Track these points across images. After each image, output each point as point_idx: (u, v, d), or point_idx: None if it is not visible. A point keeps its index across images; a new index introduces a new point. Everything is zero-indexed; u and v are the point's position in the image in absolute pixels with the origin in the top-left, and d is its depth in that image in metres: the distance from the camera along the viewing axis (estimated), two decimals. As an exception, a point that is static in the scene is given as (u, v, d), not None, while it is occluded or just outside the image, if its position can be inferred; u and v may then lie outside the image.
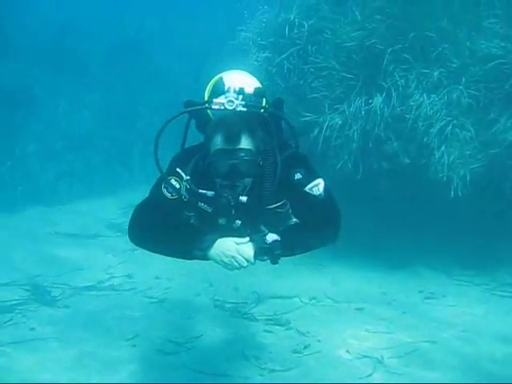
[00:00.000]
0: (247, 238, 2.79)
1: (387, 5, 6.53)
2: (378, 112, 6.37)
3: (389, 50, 6.35)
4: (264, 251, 2.77)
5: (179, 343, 5.19)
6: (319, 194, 2.88)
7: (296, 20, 6.88)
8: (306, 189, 2.88)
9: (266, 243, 2.76)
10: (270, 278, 6.70)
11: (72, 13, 12.62)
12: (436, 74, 6.34)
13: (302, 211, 2.92)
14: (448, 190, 6.22)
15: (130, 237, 2.99)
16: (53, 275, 6.78)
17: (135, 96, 11.59)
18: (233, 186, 2.78)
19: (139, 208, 2.98)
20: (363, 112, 6.44)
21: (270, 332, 5.47)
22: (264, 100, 3.06)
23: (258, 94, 3.00)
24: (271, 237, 2.77)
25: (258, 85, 3.14)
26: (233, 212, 2.87)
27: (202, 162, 2.89)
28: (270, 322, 5.70)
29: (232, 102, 2.84)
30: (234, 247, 2.76)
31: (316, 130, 6.46)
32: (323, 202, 2.89)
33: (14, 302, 6.04)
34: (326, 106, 6.54)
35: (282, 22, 7.11)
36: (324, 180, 2.92)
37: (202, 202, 2.91)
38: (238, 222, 2.93)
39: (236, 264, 2.77)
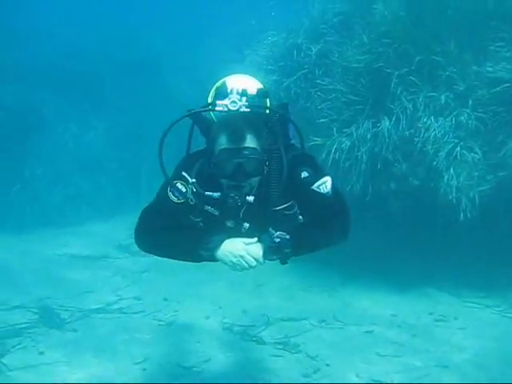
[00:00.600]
0: (255, 239, 2.76)
1: (394, 29, 6.60)
2: (386, 134, 6.39)
3: (396, 74, 6.39)
4: (273, 250, 2.73)
5: (188, 367, 5.19)
6: (327, 192, 2.83)
7: (304, 44, 6.97)
8: (314, 187, 2.83)
9: (274, 242, 2.72)
10: (280, 300, 6.69)
11: (81, 34, 12.85)
12: (443, 96, 6.38)
13: (311, 210, 2.87)
14: (457, 212, 6.21)
15: (136, 241, 2.95)
16: (62, 297, 6.80)
17: (144, 117, 11.69)
18: (239, 187, 2.74)
19: (145, 212, 2.94)
20: (371, 134, 6.47)
21: (280, 356, 5.44)
22: (267, 101, 3.04)
23: (261, 94, 2.97)
24: (280, 236, 2.73)
25: (261, 86, 3.10)
26: (240, 215, 2.86)
27: (207, 164, 2.85)
28: (279, 345, 5.68)
29: (235, 102, 2.82)
30: (243, 247, 2.72)
31: (324, 153, 6.47)
32: (331, 199, 2.84)
33: (24, 325, 6.06)
34: (334, 129, 6.57)
35: (289, 47, 7.21)
36: (331, 178, 2.88)
37: (208, 205, 2.87)
38: (246, 224, 2.89)
39: (245, 264, 2.73)
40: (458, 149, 6.22)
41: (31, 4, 15.41)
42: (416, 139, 6.26)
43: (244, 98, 2.85)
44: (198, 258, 2.78)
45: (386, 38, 6.60)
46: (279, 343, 5.70)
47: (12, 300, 6.73)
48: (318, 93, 6.75)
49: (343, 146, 6.47)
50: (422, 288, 6.76)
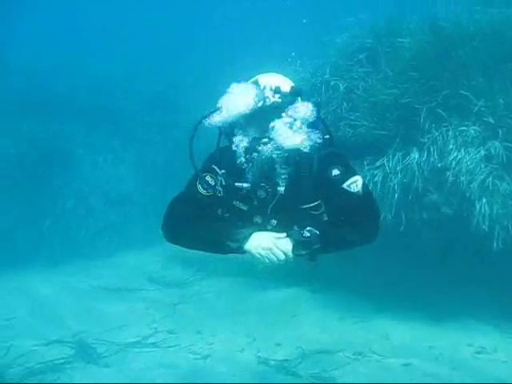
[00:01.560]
0: (284, 234, 2.74)
1: (419, 62, 6.70)
2: (416, 167, 6.43)
3: (424, 108, 6.45)
4: (302, 245, 2.70)
5: (225, 402, 5.19)
6: (357, 191, 2.81)
7: (331, 80, 7.10)
8: (344, 186, 2.81)
9: (304, 237, 2.70)
10: (314, 331, 6.67)
11: (108, 70, 13.15)
12: (473, 128, 6.41)
13: (340, 209, 2.83)
14: (490, 241, 6.17)
15: (164, 232, 2.98)
16: (97, 331, 6.88)
17: (171, 151, 11.83)
18: (270, 178, 2.74)
19: (173, 202, 2.95)
20: (401, 166, 6.52)
21: (316, 390, 5.42)
22: (299, 99, 2.98)
23: (294, 92, 2.91)
24: (310, 231, 2.72)
25: (294, 84, 3.06)
26: (268, 211, 2.84)
27: (237, 156, 2.82)
28: (315, 378, 5.65)
29: (268, 98, 2.79)
30: (272, 240, 2.71)
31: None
32: (361, 199, 2.82)
33: (61, 361, 6.14)
34: (365, 163, 6.64)
35: (316, 83, 7.34)
36: (362, 177, 2.87)
37: (237, 199, 2.85)
38: (274, 221, 2.88)
39: (273, 257, 2.69)
40: (491, 179, 6.22)
41: (59, 40, 15.94)
42: (448, 172, 6.26)
43: (277, 95, 2.82)
44: (225, 250, 2.76)
45: (411, 71, 6.68)
46: (315, 377, 5.68)
47: (49, 334, 6.83)
48: (348, 128, 6.84)
49: (375, 178, 6.51)
50: (459, 319, 6.65)
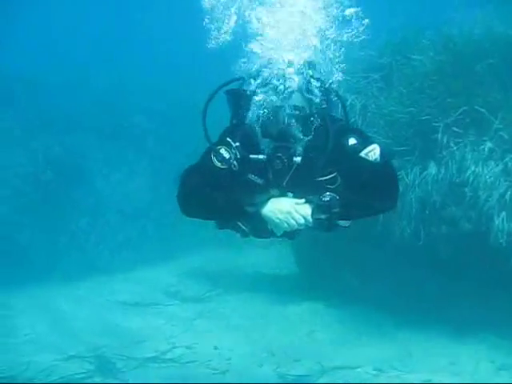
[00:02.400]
0: (303, 200, 2.66)
1: (435, 81, 6.74)
2: (434, 181, 6.45)
3: (441, 125, 6.48)
4: (322, 209, 2.61)
5: (244, 418, 5.18)
6: (375, 159, 2.74)
7: (347, 97, 7.14)
8: (362, 154, 2.73)
9: (323, 201, 2.62)
10: (333, 347, 6.66)
11: (123, 86, 13.31)
12: (490, 143, 6.42)
13: (358, 178, 2.74)
14: (509, 256, 6.16)
15: (179, 202, 2.85)
16: (116, 346, 6.92)
17: (185, 165, 11.92)
18: (286, 148, 2.64)
19: (188, 171, 2.85)
20: (419, 181, 6.53)
21: (335, 407, 5.41)
22: (311, 72, 2.88)
23: (308, 66, 2.82)
24: (329, 195, 2.64)
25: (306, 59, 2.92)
26: (284, 183, 2.75)
27: (252, 128, 2.75)
28: (334, 394, 5.64)
29: (283, 70, 2.71)
30: (291, 204, 2.63)
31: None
32: (380, 166, 2.75)
33: (82, 375, 6.18)
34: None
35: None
36: (379, 145, 2.79)
37: (252, 173, 2.77)
38: (290, 194, 2.77)
39: (292, 221, 2.60)
40: (509, 193, 6.21)
41: (73, 58, 16.20)
42: (466, 187, 6.27)
43: (290, 69, 2.74)
44: (242, 216, 2.70)
45: (427, 89, 6.72)
46: (335, 393, 5.67)
47: (68, 349, 6.88)
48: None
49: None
50: (481, 334, 6.58)
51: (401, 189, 2.88)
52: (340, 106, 3.04)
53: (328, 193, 2.65)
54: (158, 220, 11.15)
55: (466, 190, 6.29)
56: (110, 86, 13.35)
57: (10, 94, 12.12)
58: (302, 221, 2.61)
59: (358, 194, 2.71)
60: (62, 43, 18.87)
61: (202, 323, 7.65)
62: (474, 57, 7.02)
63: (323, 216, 2.61)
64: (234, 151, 2.74)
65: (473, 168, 6.31)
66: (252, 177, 2.77)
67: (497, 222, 6.22)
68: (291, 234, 2.95)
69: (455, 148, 6.44)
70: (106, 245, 10.47)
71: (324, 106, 2.79)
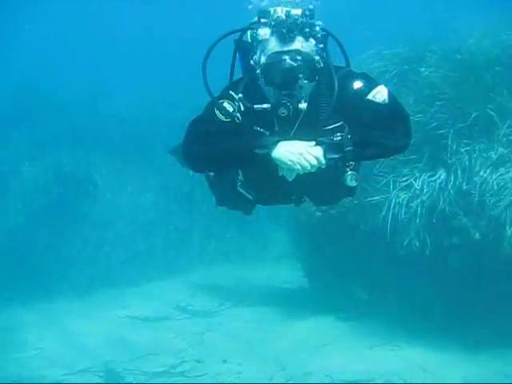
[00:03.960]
0: (314, 142, 2.58)
1: (444, 89, 6.72)
2: (438, 188, 6.41)
3: (451, 131, 6.44)
4: (334, 148, 2.54)
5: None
6: (383, 100, 2.65)
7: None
8: (369, 97, 2.65)
9: (335, 140, 2.56)
10: (345, 360, 6.55)
11: (131, 100, 13.45)
12: (500, 149, 6.36)
13: (368, 121, 2.64)
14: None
15: (185, 154, 2.78)
16: (126, 360, 6.92)
17: (193, 178, 11.93)
18: (291, 95, 2.54)
19: (192, 122, 2.76)
20: (428, 188, 6.47)
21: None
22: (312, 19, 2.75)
23: (307, 15, 2.69)
24: (341, 135, 2.57)
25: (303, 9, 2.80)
26: (291, 134, 2.65)
27: (255, 77, 2.67)
28: (346, 408, 5.54)
29: (282, 18, 2.62)
30: (302, 145, 2.55)
31: (384, 210, 6.49)
32: (389, 106, 2.66)
33: (91, 390, 6.14)
34: (391, 185, 6.60)
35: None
36: (386, 86, 2.70)
37: (257, 125, 2.67)
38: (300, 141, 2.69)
39: (304, 162, 2.52)
40: (521, 200, 6.13)
41: (81, 72, 16.44)
42: (475, 196, 6.20)
43: (289, 20, 2.64)
44: (252, 159, 2.58)
45: (436, 98, 6.72)
46: (346, 406, 5.58)
47: (77, 363, 6.88)
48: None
49: (401, 200, 6.47)
50: (493, 347, 6.41)
51: (411, 124, 2.72)
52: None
53: (339, 133, 2.59)
54: (167, 234, 11.15)
55: (476, 197, 6.23)
56: (122, 100, 13.52)
57: (23, 110, 12.32)
58: (314, 162, 2.52)
59: (369, 134, 2.62)
60: (75, 59, 19.22)
61: (211, 337, 7.59)
62: (482, 65, 7.01)
63: (336, 155, 2.55)
64: (237, 103, 2.67)
65: (482, 175, 6.25)
66: (258, 129, 2.67)
67: (509, 232, 6.16)
68: (299, 199, 2.89)
69: (465, 155, 6.39)
70: (116, 259, 10.46)
71: (325, 54, 2.71)
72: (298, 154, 2.52)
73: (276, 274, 9.22)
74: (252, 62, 2.67)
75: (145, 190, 11.80)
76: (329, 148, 2.54)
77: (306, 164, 2.53)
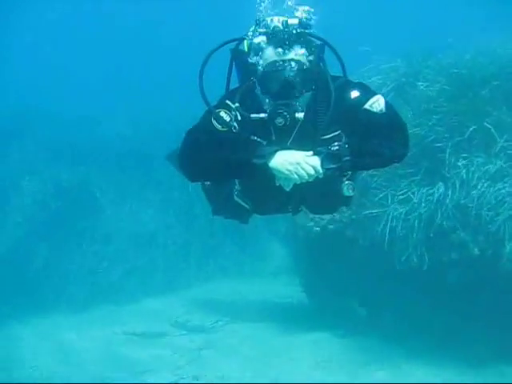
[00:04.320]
0: (311, 152, 2.56)
1: (440, 104, 6.74)
2: (436, 201, 6.37)
3: (449, 144, 6.44)
4: (331, 158, 2.53)
5: None
6: (380, 110, 2.65)
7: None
8: (366, 106, 2.64)
9: (332, 150, 2.56)
10: (341, 377, 6.47)
11: (130, 117, 13.50)
12: (498, 162, 6.34)
13: (365, 131, 2.63)
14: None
15: (181, 164, 2.74)
16: (122, 377, 6.84)
17: (192, 194, 11.92)
18: (287, 104, 2.54)
19: (189, 131, 2.73)
20: (426, 203, 6.44)
21: None
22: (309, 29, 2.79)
23: (303, 25, 2.72)
24: (338, 145, 2.58)
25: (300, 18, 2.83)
26: (288, 143, 2.64)
27: (252, 87, 2.68)
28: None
29: (279, 28, 2.64)
30: (299, 155, 2.54)
31: (382, 223, 6.45)
32: (387, 116, 2.65)
33: (86, 408, 6.07)
34: (389, 199, 6.57)
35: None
36: (383, 96, 2.70)
37: (254, 134, 2.67)
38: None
39: (302, 171, 2.51)
40: (519, 215, 6.10)
41: (81, 87, 16.54)
42: (471, 206, 6.16)
43: (291, 20, 2.68)
44: (249, 170, 2.56)
45: (433, 112, 6.72)
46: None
47: (72, 380, 6.81)
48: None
49: (399, 214, 6.43)
50: (493, 364, 6.33)
51: (409, 133, 2.72)
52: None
53: (337, 143, 2.60)
54: (166, 249, 11.10)
55: (473, 211, 6.19)
56: (122, 119, 13.58)
57: (23, 125, 12.37)
58: (312, 171, 2.52)
59: (367, 143, 2.61)
60: (74, 73, 19.35)
61: (209, 353, 7.52)
62: (479, 80, 7.02)
63: (334, 165, 2.54)
64: (233, 113, 2.65)
65: (480, 188, 6.22)
66: (255, 138, 2.67)
67: (508, 247, 6.11)
68: (296, 209, 2.89)
69: (462, 168, 6.36)
70: (114, 274, 10.40)
71: (322, 64, 2.74)
72: (295, 163, 2.51)
73: (274, 290, 9.16)
74: (249, 71, 2.69)
75: (144, 205, 11.78)
76: (326, 158, 2.53)
77: (304, 174, 2.52)
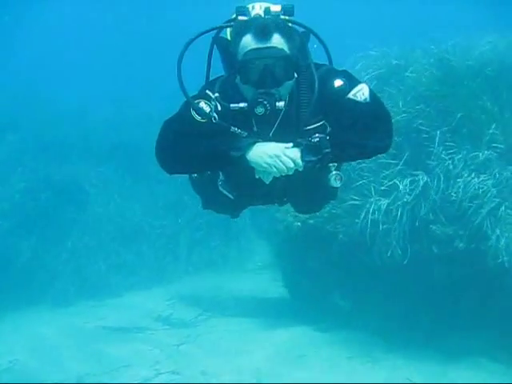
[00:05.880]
0: (291, 144, 2.49)
1: (430, 89, 6.65)
2: (420, 193, 6.26)
3: (438, 133, 6.35)
4: (312, 150, 2.46)
5: None
6: (365, 99, 2.56)
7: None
8: (350, 95, 2.56)
9: (312, 142, 2.48)
10: (322, 372, 6.38)
11: (118, 110, 13.40)
12: (484, 154, 6.23)
13: (349, 121, 2.56)
14: (507, 276, 5.90)
15: (158, 155, 2.65)
16: (99, 373, 6.75)
17: (180, 187, 11.83)
18: (268, 94, 2.44)
19: (166, 123, 2.65)
20: (409, 194, 6.32)
21: None
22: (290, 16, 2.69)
23: (287, 12, 2.63)
24: (318, 137, 2.50)
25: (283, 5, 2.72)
26: (270, 134, 2.56)
27: (231, 76, 2.59)
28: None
29: (259, 15, 2.57)
30: (278, 147, 2.47)
31: (362, 215, 6.32)
32: (370, 105, 2.57)
33: (61, 406, 5.95)
34: (373, 190, 6.44)
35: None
36: (367, 84, 2.61)
37: (234, 125, 2.55)
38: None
39: (281, 164, 2.44)
40: (503, 208, 5.98)
41: (72, 80, 16.41)
42: (454, 195, 6.06)
43: (268, 17, 2.57)
44: (226, 162, 2.51)
45: (421, 102, 6.64)
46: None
47: (50, 376, 6.70)
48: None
49: (381, 205, 6.31)
50: (474, 358, 6.25)
51: (393, 124, 2.63)
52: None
53: (317, 134, 2.51)
54: (154, 243, 10.99)
55: (457, 203, 6.08)
56: (110, 111, 13.47)
57: (15, 117, 12.26)
58: (291, 164, 2.44)
59: (349, 134, 2.53)
60: (66, 66, 19.24)
61: (189, 348, 7.39)
62: (468, 73, 6.90)
63: (314, 158, 2.46)
64: (213, 103, 2.55)
65: (464, 177, 6.11)
66: (235, 130, 2.55)
67: (493, 239, 5.98)
68: (281, 199, 2.81)
69: (447, 160, 6.25)
70: (100, 268, 10.25)
71: (305, 51, 2.64)
72: (274, 156, 2.44)
73: (257, 284, 9.03)
74: (232, 60, 2.56)
75: (132, 197, 11.68)
76: (306, 150, 2.46)
77: (283, 167, 2.45)
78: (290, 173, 2.46)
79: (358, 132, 2.54)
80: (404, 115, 6.60)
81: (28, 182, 10.56)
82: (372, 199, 6.38)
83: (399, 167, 6.46)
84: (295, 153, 2.46)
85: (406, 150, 6.55)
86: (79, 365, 7.00)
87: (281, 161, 2.44)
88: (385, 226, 6.30)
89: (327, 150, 2.46)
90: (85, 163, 11.50)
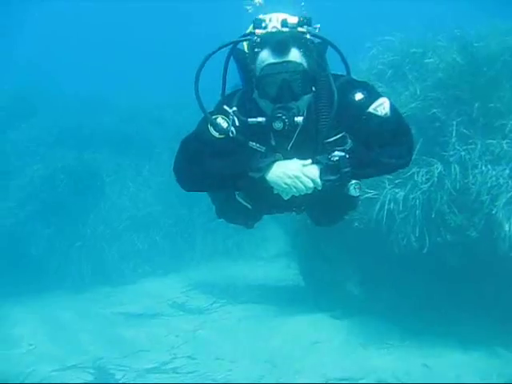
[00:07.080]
0: (310, 160, 2.50)
1: (449, 76, 6.60)
2: (436, 183, 6.24)
3: (452, 122, 6.30)
4: (331, 169, 2.45)
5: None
6: (385, 114, 2.55)
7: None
8: (370, 109, 2.54)
9: (332, 160, 2.47)
10: (337, 358, 6.45)
11: (132, 101, 13.49)
12: (501, 144, 6.20)
13: (369, 135, 2.55)
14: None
15: (176, 174, 2.67)
16: (117, 357, 6.87)
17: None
18: (287, 108, 2.44)
19: (185, 142, 2.67)
20: (425, 184, 6.32)
21: (337, 419, 5.20)
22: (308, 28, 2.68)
23: (303, 24, 2.60)
24: (338, 154, 2.48)
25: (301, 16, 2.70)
26: (288, 148, 2.57)
27: (249, 91, 2.58)
28: (337, 407, 5.43)
29: (276, 28, 2.56)
30: (298, 167, 2.47)
31: (378, 206, 6.34)
32: (391, 120, 2.55)
33: (79, 386, 6.09)
34: (386, 181, 6.45)
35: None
36: (389, 99, 2.59)
37: (253, 140, 2.57)
38: (295, 160, 2.59)
39: (300, 185, 2.45)
40: (518, 197, 5.97)
41: (88, 70, 16.51)
42: (472, 186, 6.05)
43: (285, 29, 2.57)
44: (246, 183, 2.50)
45: (440, 89, 6.57)
46: (337, 406, 5.47)
47: (68, 359, 6.84)
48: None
49: (397, 196, 6.32)
50: (489, 347, 6.25)
51: (414, 140, 2.64)
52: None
53: (337, 152, 2.50)
54: (168, 231, 11.08)
55: (474, 194, 6.07)
56: (126, 102, 13.57)
57: (31, 106, 12.46)
58: (310, 184, 2.47)
59: (369, 151, 2.52)
60: (81, 56, 19.36)
61: (205, 334, 7.50)
62: (487, 60, 6.84)
63: (333, 177, 2.47)
64: (231, 117, 2.56)
65: (481, 168, 6.09)
66: (253, 144, 2.56)
67: (507, 229, 5.99)
68: (299, 208, 2.81)
69: (461, 148, 6.23)
70: (116, 255, 10.38)
71: (323, 63, 2.62)
72: (293, 177, 2.46)
73: (272, 272, 9.11)
74: (247, 73, 2.59)
75: (147, 187, 11.78)
76: (325, 169, 2.46)
77: (302, 187, 2.47)
78: (310, 192, 2.49)
79: (377, 149, 2.53)
80: (418, 102, 6.58)
81: (45, 170, 10.72)
82: (386, 191, 6.39)
83: (416, 157, 6.45)
84: (314, 172, 2.47)
85: (423, 139, 6.54)
86: (97, 348, 7.15)
87: (300, 181, 2.46)
88: (401, 216, 6.31)
89: (346, 170, 2.46)
90: (101, 153, 11.63)
